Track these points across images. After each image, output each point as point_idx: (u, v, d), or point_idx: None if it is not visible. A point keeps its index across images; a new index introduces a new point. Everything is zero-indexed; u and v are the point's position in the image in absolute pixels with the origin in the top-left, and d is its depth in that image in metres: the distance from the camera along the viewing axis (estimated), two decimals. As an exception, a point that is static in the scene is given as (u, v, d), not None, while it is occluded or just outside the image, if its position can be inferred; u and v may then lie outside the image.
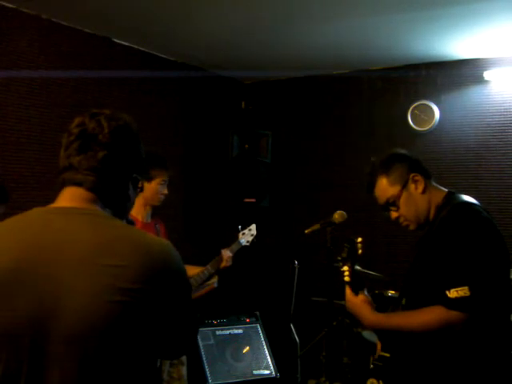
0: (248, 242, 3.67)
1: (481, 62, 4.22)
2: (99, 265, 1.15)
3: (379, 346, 2.25)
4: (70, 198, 1.28)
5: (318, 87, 4.99)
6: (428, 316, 1.88)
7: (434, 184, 2.14)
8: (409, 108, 4.44)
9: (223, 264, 3.46)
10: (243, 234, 3.68)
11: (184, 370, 3.56)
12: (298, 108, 5.09)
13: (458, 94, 4.32)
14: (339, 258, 2.12)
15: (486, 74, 4.17)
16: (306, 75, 4.98)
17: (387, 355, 2.12)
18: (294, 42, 4.04)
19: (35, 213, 1.26)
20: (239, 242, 3.62)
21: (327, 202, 4.69)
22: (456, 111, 4.32)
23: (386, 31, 3.75)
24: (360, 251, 2.11)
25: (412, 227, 2.13)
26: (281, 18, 3.56)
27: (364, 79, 4.74)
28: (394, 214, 2.14)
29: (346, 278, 2.08)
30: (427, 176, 2.12)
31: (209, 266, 3.44)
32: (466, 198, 2.05)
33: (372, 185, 2.16)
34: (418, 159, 2.17)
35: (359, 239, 2.12)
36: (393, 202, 2.11)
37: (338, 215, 2.76)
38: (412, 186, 2.08)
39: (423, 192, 2.08)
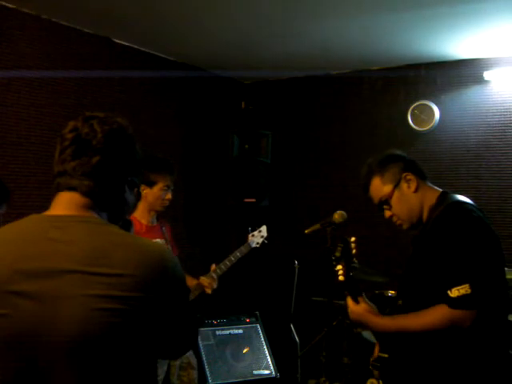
0: (258, 243, 3.63)
1: (481, 62, 4.21)
2: (93, 274, 1.14)
3: (377, 348, 2.25)
4: (65, 204, 1.27)
5: (318, 87, 4.99)
6: (432, 316, 1.88)
7: (429, 184, 2.16)
8: (409, 108, 4.44)
9: (207, 291, 3.33)
10: (253, 235, 3.64)
11: (195, 374, 3.53)
12: (298, 108, 5.09)
13: (458, 94, 4.32)
14: (333, 258, 2.12)
15: (486, 74, 4.16)
16: (306, 75, 4.98)
17: (386, 356, 2.13)
18: (294, 42, 4.04)
19: (30, 221, 1.26)
20: (248, 244, 3.58)
21: (327, 202, 4.69)
22: (456, 111, 4.32)
23: (386, 31, 3.75)
24: (354, 250, 2.12)
25: (405, 226, 2.15)
26: (280, 18, 3.56)
27: (364, 79, 4.74)
28: (387, 213, 2.17)
29: (341, 278, 2.08)
30: (422, 176, 2.15)
31: (193, 291, 3.35)
32: (460, 197, 2.06)
33: (367, 185, 2.19)
34: (413, 160, 2.20)
35: (353, 238, 2.14)
36: (385, 201, 2.14)
37: (338, 215, 2.76)
38: (404, 185, 2.11)
39: (415, 191, 2.10)
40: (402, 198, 2.11)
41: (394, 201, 2.12)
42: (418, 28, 3.67)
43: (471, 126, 4.26)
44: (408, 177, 2.11)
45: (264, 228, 3.68)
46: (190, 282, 3.35)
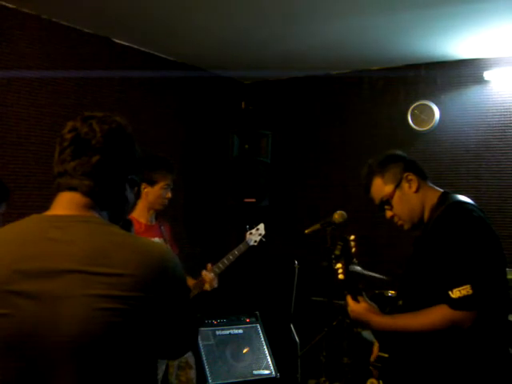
0: (256, 241, 3.63)
1: (481, 62, 4.22)
2: (94, 274, 1.14)
3: (376, 347, 2.25)
4: (65, 204, 1.27)
5: (318, 87, 4.99)
6: (433, 316, 1.88)
7: (430, 184, 2.16)
8: (409, 108, 4.44)
9: (206, 287, 3.32)
10: (250, 233, 3.64)
11: (193, 374, 3.53)
12: (298, 108, 5.09)
13: (458, 94, 4.32)
14: (333, 256, 2.12)
15: (486, 74, 4.16)
16: (306, 75, 4.98)
17: (386, 356, 2.13)
18: (294, 42, 4.04)
19: (31, 221, 1.26)
20: (246, 242, 3.58)
21: (327, 202, 4.69)
22: (456, 111, 4.32)
23: (386, 31, 3.75)
24: (353, 249, 2.12)
25: (406, 227, 2.15)
26: (281, 18, 3.56)
27: (364, 79, 4.74)
28: (388, 214, 2.17)
29: (340, 276, 2.08)
30: (423, 176, 2.15)
31: (192, 289, 3.34)
32: (461, 197, 2.06)
33: (368, 186, 2.20)
34: (413, 160, 2.20)
35: (352, 237, 2.13)
36: (387, 201, 2.14)
37: (338, 215, 2.76)
38: (406, 185, 2.11)
39: (417, 191, 2.10)
40: (403, 198, 2.11)
41: (395, 201, 2.12)
42: (418, 28, 3.67)
43: (471, 126, 4.26)
44: (409, 177, 2.11)
45: (262, 226, 3.68)
46: (190, 281, 3.35)
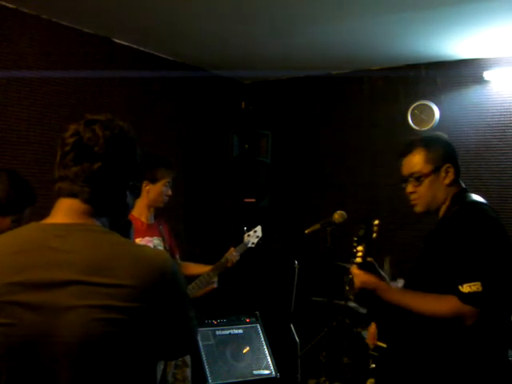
0: (253, 243, 3.65)
1: (481, 62, 4.22)
2: (93, 284, 1.14)
3: (373, 330, 2.23)
4: (65, 211, 1.25)
5: (318, 87, 4.99)
6: (442, 304, 1.88)
7: (460, 181, 2.13)
8: (409, 108, 4.44)
9: (229, 264, 3.47)
10: (248, 235, 3.66)
11: (188, 372, 3.55)
12: (298, 108, 5.09)
13: (458, 93, 4.32)
14: (355, 239, 2.04)
15: (486, 74, 4.17)
16: (306, 75, 4.98)
17: (384, 345, 2.12)
18: (294, 42, 4.04)
19: (30, 229, 1.25)
20: (245, 244, 3.60)
21: (327, 202, 4.69)
22: (456, 111, 4.32)
23: (385, 31, 3.75)
24: (375, 234, 2.04)
25: (418, 209, 2.11)
26: (281, 19, 3.56)
27: (364, 79, 4.74)
28: (410, 188, 2.11)
29: (358, 259, 2.02)
30: (458, 173, 2.11)
31: (211, 272, 3.41)
32: (476, 197, 2.06)
33: (407, 152, 2.12)
34: (457, 155, 2.15)
35: (376, 221, 2.04)
36: (418, 177, 2.07)
37: (338, 215, 2.76)
38: (442, 174, 2.07)
39: (449, 185, 2.06)
40: (434, 185, 2.06)
41: (425, 182, 2.06)
42: (418, 28, 3.67)
43: (471, 126, 4.26)
44: (449, 168, 2.07)
45: (259, 228, 3.69)
46: (202, 269, 3.43)
